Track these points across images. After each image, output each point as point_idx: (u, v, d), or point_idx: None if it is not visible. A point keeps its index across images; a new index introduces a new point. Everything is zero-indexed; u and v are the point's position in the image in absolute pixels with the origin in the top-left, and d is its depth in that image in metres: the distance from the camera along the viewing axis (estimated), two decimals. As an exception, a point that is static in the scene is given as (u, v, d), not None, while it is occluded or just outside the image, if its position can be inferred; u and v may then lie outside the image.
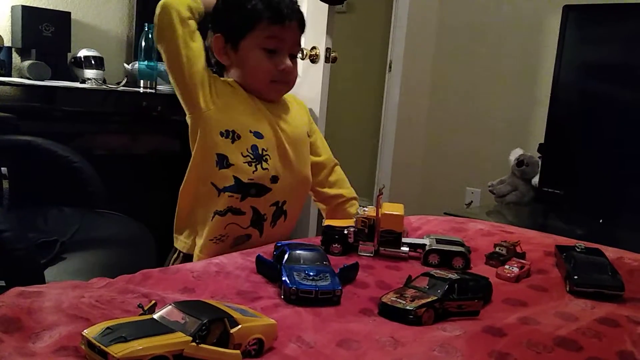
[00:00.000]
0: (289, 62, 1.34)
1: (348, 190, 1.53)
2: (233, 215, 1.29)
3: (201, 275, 1.00)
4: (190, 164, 1.33)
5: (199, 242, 1.32)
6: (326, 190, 1.50)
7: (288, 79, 1.37)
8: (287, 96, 1.46)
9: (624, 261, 1.23)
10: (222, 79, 1.35)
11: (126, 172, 2.40)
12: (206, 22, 1.36)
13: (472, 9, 3.29)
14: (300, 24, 1.35)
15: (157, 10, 1.26)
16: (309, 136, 1.46)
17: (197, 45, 1.29)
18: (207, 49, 1.35)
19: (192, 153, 1.33)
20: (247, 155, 1.29)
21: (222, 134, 1.28)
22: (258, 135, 1.31)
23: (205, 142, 1.29)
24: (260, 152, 1.30)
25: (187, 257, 1.34)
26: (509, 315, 0.92)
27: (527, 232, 1.47)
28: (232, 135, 1.28)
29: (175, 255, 1.37)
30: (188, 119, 1.33)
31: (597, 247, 1.23)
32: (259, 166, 1.30)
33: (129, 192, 2.28)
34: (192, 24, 1.28)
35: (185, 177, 1.35)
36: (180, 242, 1.37)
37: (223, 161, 1.28)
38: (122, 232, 1.77)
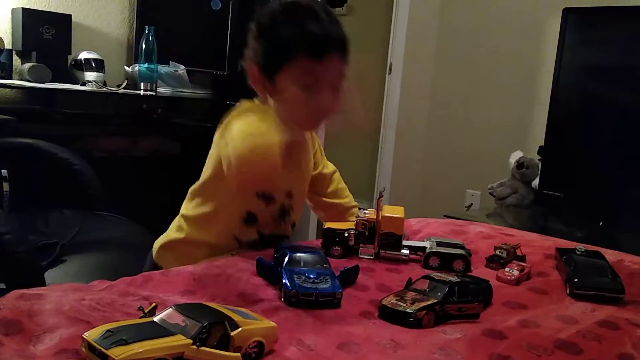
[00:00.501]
0: (327, 99, 1.14)
1: (346, 200, 1.50)
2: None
3: (202, 277, 1.00)
4: (211, 206, 1.23)
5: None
6: (324, 199, 1.48)
7: (327, 116, 1.22)
8: None
9: (624, 264, 1.23)
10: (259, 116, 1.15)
11: (126, 174, 2.40)
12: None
13: (472, 11, 3.29)
14: (344, 54, 1.17)
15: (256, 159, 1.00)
16: (314, 160, 1.41)
17: None
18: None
19: (210, 204, 1.22)
20: (276, 214, 1.26)
21: (259, 196, 1.21)
22: (289, 195, 1.28)
23: (238, 200, 1.22)
24: (287, 208, 1.28)
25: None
26: (509, 318, 0.92)
27: (527, 234, 1.47)
28: (267, 198, 1.23)
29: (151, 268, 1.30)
30: (215, 177, 1.21)
31: (597, 249, 1.23)
32: (282, 221, 1.28)
33: (129, 195, 2.28)
34: None
35: (201, 212, 1.25)
36: (167, 263, 1.27)
37: (251, 219, 1.24)
38: (122, 234, 1.77)
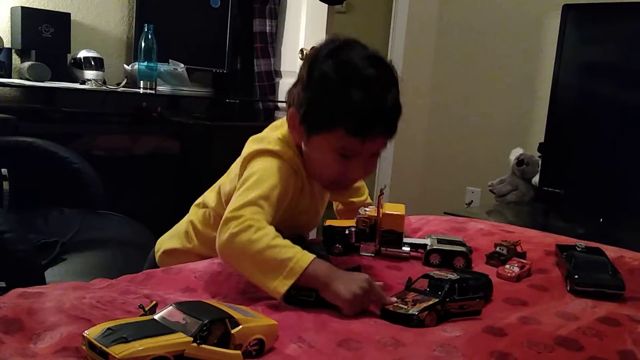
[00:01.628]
0: (360, 170, 1.10)
1: (362, 197, 1.44)
2: None
3: (203, 275, 1.00)
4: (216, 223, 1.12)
5: None
6: (345, 198, 1.44)
7: (355, 181, 1.21)
8: None
9: (624, 260, 1.23)
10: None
11: (126, 172, 2.40)
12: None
13: (472, 8, 3.29)
14: (390, 131, 1.09)
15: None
16: None
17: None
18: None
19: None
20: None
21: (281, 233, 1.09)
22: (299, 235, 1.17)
23: None
24: (298, 236, 1.14)
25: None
26: (510, 314, 0.92)
27: (528, 231, 1.47)
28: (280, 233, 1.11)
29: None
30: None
31: (598, 246, 1.23)
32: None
33: (129, 193, 2.28)
34: None
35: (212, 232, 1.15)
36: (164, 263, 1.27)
37: None
38: (122, 233, 1.77)
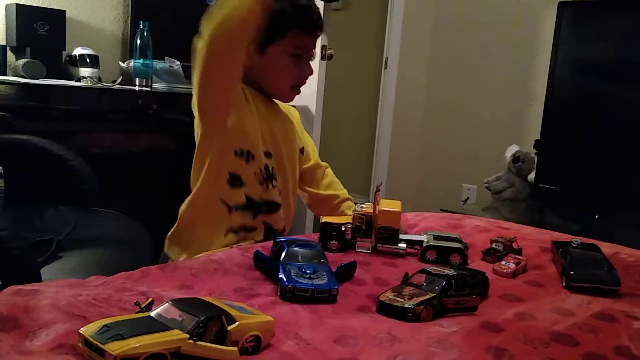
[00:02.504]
0: (310, 68, 1.37)
1: (342, 192, 1.54)
2: (246, 232, 1.31)
3: (199, 272, 1.00)
4: (200, 181, 1.29)
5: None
6: (321, 192, 1.52)
7: (304, 84, 1.40)
8: (282, 105, 1.48)
9: (619, 256, 1.23)
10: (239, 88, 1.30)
11: (122, 170, 2.39)
12: None
13: (468, 5, 3.29)
14: (322, 30, 1.37)
15: (215, 31, 1.15)
16: (302, 152, 1.49)
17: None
18: None
19: (203, 169, 1.29)
20: (259, 175, 1.30)
21: (236, 153, 1.28)
22: (268, 155, 1.33)
23: (220, 161, 1.28)
24: (270, 171, 1.32)
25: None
26: (506, 310, 0.92)
27: (523, 228, 1.47)
28: (246, 155, 1.29)
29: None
30: (200, 136, 1.28)
31: (593, 242, 1.24)
32: (270, 185, 1.32)
33: (125, 191, 2.27)
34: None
35: (193, 193, 1.31)
36: (175, 254, 1.34)
37: (235, 180, 1.28)
38: (118, 230, 1.76)
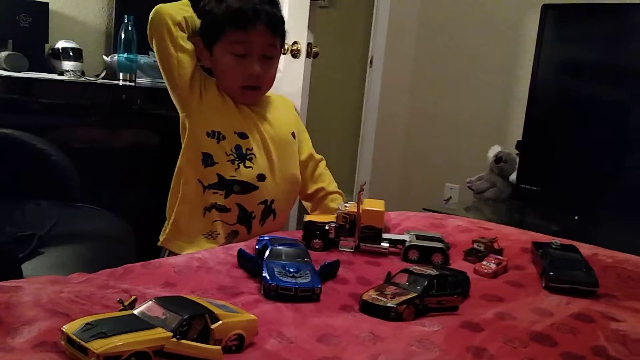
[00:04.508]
0: (257, 67, 1.35)
1: (329, 185, 1.54)
2: (218, 212, 1.34)
3: (182, 270, 1.00)
4: (179, 161, 1.38)
5: (192, 239, 1.34)
6: (308, 185, 1.52)
7: (259, 84, 1.39)
8: (274, 96, 1.50)
9: (598, 258, 1.25)
10: (212, 79, 1.40)
11: (104, 165, 2.37)
12: None
13: (453, 6, 3.31)
14: (270, 24, 1.35)
15: (152, 13, 1.33)
16: (294, 137, 1.48)
17: (188, 47, 1.33)
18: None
19: (181, 151, 1.37)
20: (231, 154, 1.33)
21: (208, 134, 1.33)
22: (242, 135, 1.35)
23: (193, 141, 1.35)
24: (244, 151, 1.34)
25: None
26: (487, 310, 0.94)
27: (505, 228, 1.49)
28: (217, 136, 1.33)
29: (166, 255, 1.37)
30: (181, 117, 1.38)
31: (573, 243, 1.26)
32: (241, 165, 1.34)
33: (108, 186, 2.26)
34: (184, 28, 1.34)
35: (174, 175, 1.38)
36: (169, 242, 1.38)
37: (208, 159, 1.33)
38: (100, 226, 1.75)
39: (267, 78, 1.40)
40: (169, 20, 1.31)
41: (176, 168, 1.38)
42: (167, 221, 1.40)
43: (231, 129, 1.35)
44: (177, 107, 1.37)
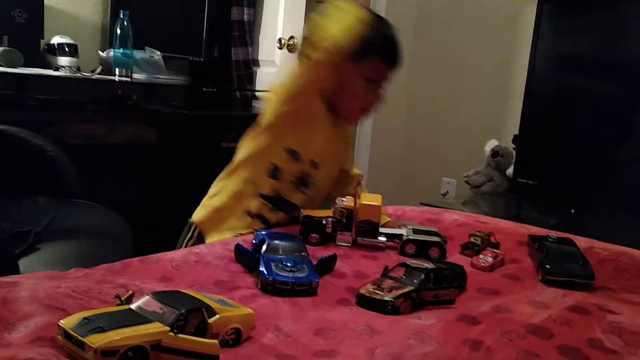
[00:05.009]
0: (381, 94, 1.39)
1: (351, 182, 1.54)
2: (259, 222, 1.33)
3: (180, 264, 1.00)
4: (242, 157, 1.36)
5: (222, 233, 1.33)
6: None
7: (372, 110, 1.43)
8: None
9: (594, 251, 1.25)
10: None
11: (101, 161, 2.37)
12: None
13: (449, 1, 3.31)
14: (400, 64, 1.40)
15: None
16: (341, 171, 1.50)
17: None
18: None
19: (247, 147, 1.35)
20: (296, 177, 1.34)
21: (286, 150, 1.32)
22: (315, 165, 1.35)
23: (268, 148, 1.33)
24: (308, 180, 1.35)
25: (201, 238, 1.37)
26: (483, 303, 0.94)
27: (501, 222, 1.49)
28: (294, 155, 1.33)
29: (190, 234, 1.39)
30: (261, 121, 1.34)
31: (569, 236, 1.26)
32: (300, 190, 1.35)
33: (104, 182, 2.25)
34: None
35: (232, 165, 1.37)
36: (203, 224, 1.38)
37: (275, 172, 1.32)
38: (97, 222, 1.75)
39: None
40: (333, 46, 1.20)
41: (236, 160, 1.37)
42: (206, 200, 1.39)
43: (309, 155, 1.34)
44: (267, 110, 1.33)
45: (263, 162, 1.33)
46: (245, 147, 1.37)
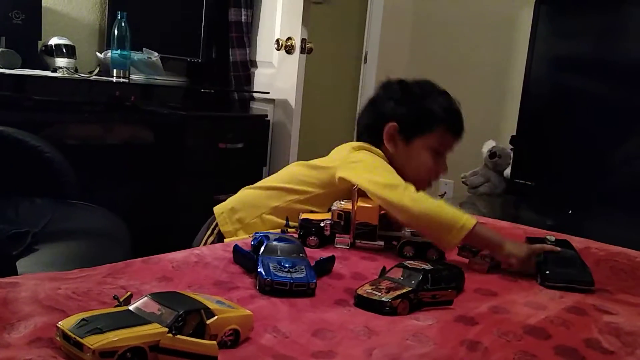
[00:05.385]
0: (445, 167, 1.43)
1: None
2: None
3: (180, 265, 1.00)
4: (308, 191, 1.34)
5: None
6: None
7: (438, 179, 1.46)
8: None
9: (590, 251, 1.26)
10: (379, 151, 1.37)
11: (99, 162, 2.37)
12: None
13: (447, 1, 3.31)
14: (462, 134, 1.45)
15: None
16: None
17: None
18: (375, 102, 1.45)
19: (295, 182, 1.35)
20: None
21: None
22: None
23: (338, 188, 1.30)
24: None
25: (222, 237, 1.37)
26: (481, 304, 0.94)
27: (499, 223, 1.50)
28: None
29: (210, 231, 1.39)
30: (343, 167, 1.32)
31: (566, 237, 1.26)
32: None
33: (102, 183, 2.25)
34: None
35: (280, 185, 1.37)
36: (231, 233, 1.37)
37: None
38: (94, 223, 1.75)
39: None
40: None
41: (287, 184, 1.36)
42: (236, 206, 1.38)
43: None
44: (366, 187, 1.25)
45: (327, 194, 1.31)
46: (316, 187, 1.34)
